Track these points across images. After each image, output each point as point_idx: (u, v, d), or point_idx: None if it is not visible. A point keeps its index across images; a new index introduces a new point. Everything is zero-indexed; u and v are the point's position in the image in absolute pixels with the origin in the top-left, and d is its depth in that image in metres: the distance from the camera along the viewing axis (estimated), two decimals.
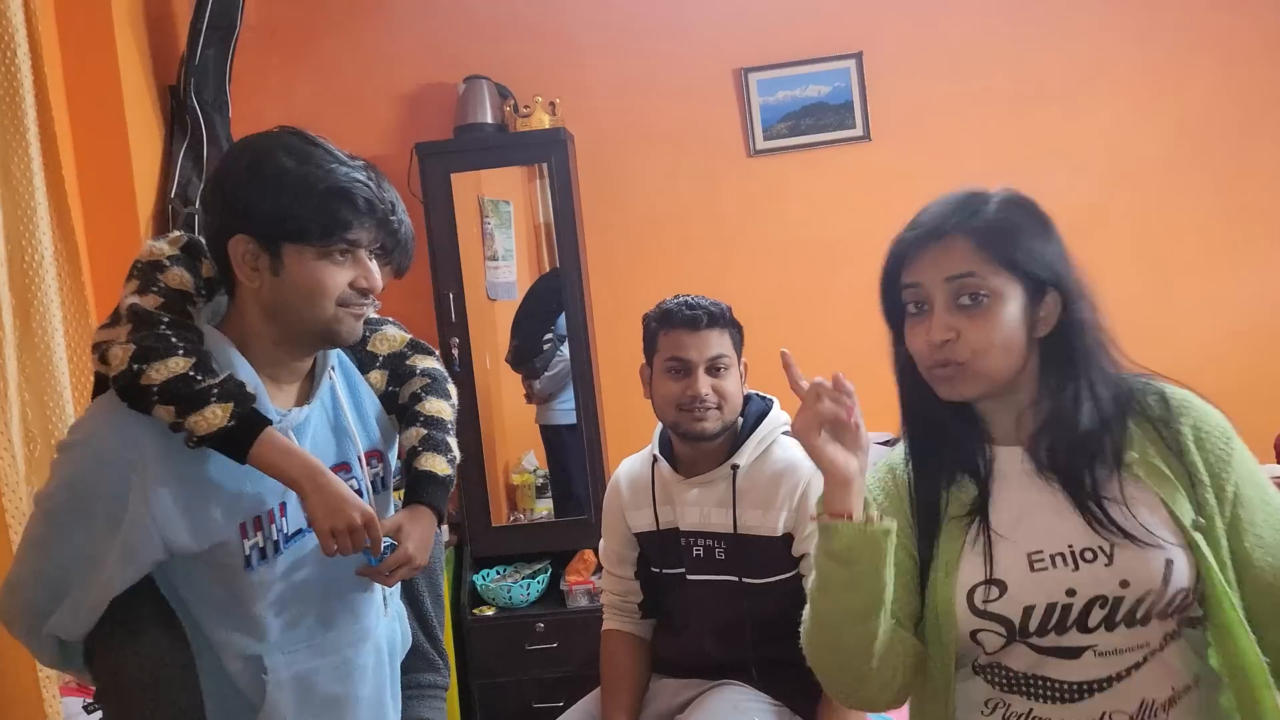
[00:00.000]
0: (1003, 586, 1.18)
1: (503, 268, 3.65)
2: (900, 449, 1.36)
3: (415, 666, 1.68)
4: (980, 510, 1.22)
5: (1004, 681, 1.22)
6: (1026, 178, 3.39)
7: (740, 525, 1.96)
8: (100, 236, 2.56)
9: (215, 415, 1.24)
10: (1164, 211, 3.40)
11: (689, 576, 2.03)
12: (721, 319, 1.97)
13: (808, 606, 1.28)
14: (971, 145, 3.48)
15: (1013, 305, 1.21)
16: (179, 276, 1.36)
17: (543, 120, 3.36)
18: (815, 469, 1.94)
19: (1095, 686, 1.17)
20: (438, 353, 1.65)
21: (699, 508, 2.00)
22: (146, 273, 1.35)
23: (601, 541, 2.18)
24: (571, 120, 3.48)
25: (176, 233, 1.43)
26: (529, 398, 3.63)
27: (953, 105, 3.49)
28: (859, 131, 3.52)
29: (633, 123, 3.55)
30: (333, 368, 1.45)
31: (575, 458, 3.46)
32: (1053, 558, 1.18)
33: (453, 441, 1.52)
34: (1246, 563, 1.18)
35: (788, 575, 1.95)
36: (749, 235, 3.56)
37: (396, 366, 1.57)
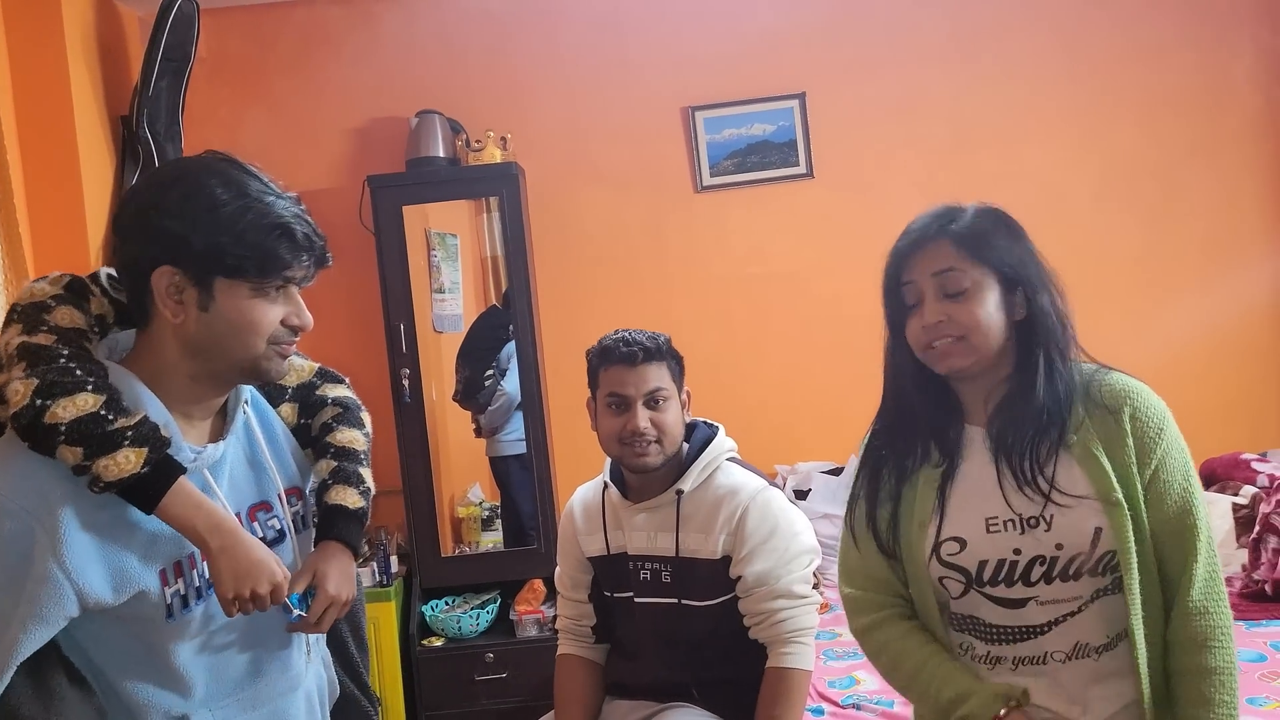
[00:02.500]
0: (963, 543, 1.43)
1: (449, 300, 3.68)
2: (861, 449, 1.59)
3: (350, 715, 1.57)
4: (948, 478, 1.46)
5: (969, 628, 1.47)
6: None
7: (682, 549, 2.01)
8: (50, 265, 2.55)
9: (128, 460, 1.14)
10: (1092, 248, 3.54)
11: (636, 599, 2.07)
12: (658, 352, 2.02)
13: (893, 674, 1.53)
14: (910, 184, 3.61)
15: (990, 294, 1.43)
16: (69, 314, 1.26)
17: (494, 154, 3.42)
18: (756, 492, 2.02)
19: (1038, 630, 1.42)
20: (348, 380, 1.56)
21: (646, 532, 2.06)
22: (30, 314, 1.24)
23: (558, 568, 2.21)
24: (522, 155, 3.55)
25: (56, 273, 1.33)
26: (477, 431, 3.66)
27: (892, 145, 3.62)
28: (802, 169, 3.63)
29: (582, 158, 3.63)
30: (246, 401, 1.36)
31: (524, 488, 3.49)
32: (1005, 523, 1.42)
33: (366, 473, 1.45)
34: (1149, 533, 1.40)
35: (726, 598, 2.00)
36: (695, 269, 3.64)
37: (306, 398, 1.49)
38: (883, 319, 1.53)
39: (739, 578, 1.97)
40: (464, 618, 3.33)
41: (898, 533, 1.47)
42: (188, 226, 1.17)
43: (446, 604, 3.46)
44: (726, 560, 1.99)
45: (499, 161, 3.40)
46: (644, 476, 2.04)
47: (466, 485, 3.71)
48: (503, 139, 3.47)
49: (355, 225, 3.47)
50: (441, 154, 3.44)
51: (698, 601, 2.00)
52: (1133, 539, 1.37)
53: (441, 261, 3.63)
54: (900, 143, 3.62)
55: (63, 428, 1.12)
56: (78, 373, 1.17)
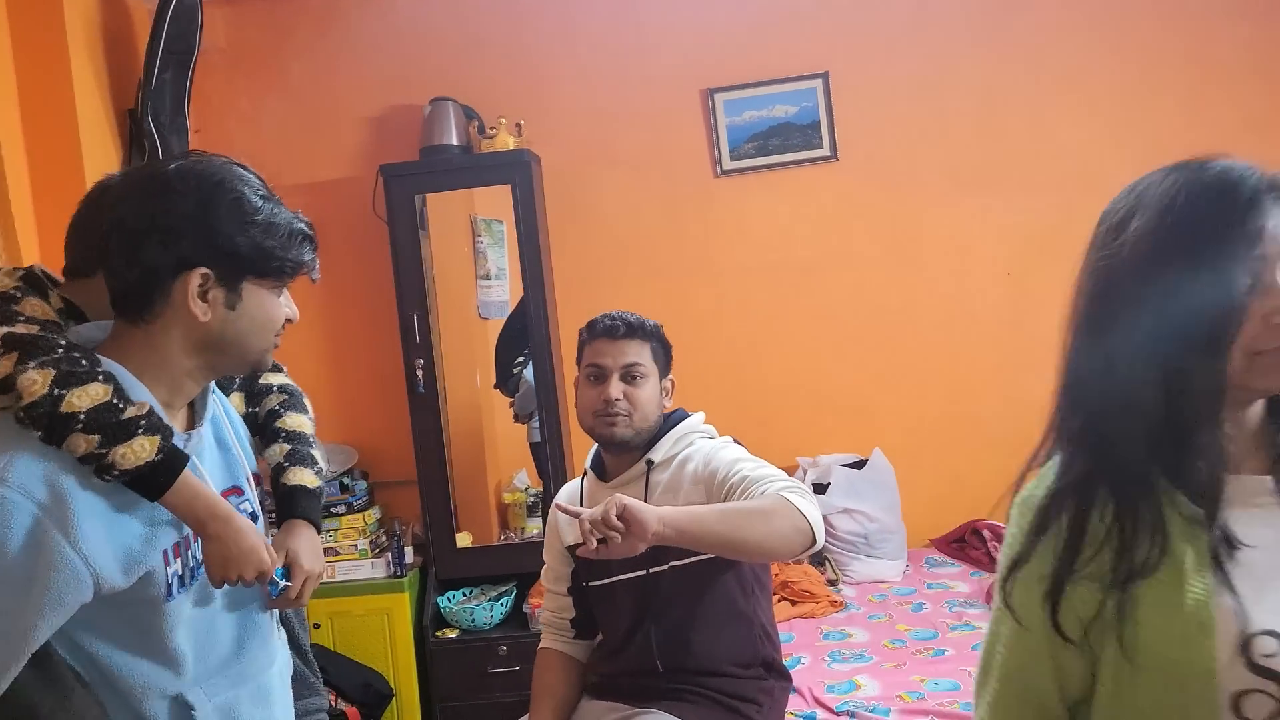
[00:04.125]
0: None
1: (495, 286, 3.65)
2: (1045, 477, 1.07)
3: (300, 693, 1.61)
4: (1227, 548, 0.97)
5: None
6: (993, 197, 3.44)
7: None
8: (56, 259, 2.57)
9: (143, 449, 1.17)
10: None
11: (613, 578, 2.01)
12: (641, 330, 2.02)
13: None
14: (939, 164, 3.47)
15: None
16: (39, 306, 1.29)
17: (507, 141, 3.36)
18: (725, 441, 1.94)
19: None
20: (285, 368, 1.62)
21: None
22: None
23: (545, 563, 2.19)
24: (538, 142, 3.49)
25: (8, 267, 1.35)
26: (515, 418, 3.64)
27: (920, 125, 3.48)
28: (826, 151, 3.51)
29: (599, 143, 3.55)
30: (212, 390, 1.39)
31: (545, 477, 3.45)
32: None
33: (318, 454, 1.51)
34: None
35: (703, 557, 1.88)
36: (714, 256, 3.55)
37: (251, 386, 1.56)
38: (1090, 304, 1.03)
39: (726, 486, 1.84)
40: (478, 610, 3.31)
41: (1129, 631, 0.97)
42: (234, 231, 1.20)
43: (464, 595, 3.45)
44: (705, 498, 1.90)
45: (512, 149, 3.34)
46: (619, 458, 2.03)
47: (513, 471, 3.68)
48: (517, 125, 3.41)
49: (369, 215, 3.45)
50: (455, 142, 3.40)
51: (672, 562, 1.91)
52: None
53: (488, 248, 3.60)
54: (928, 122, 3.48)
55: (81, 416, 1.14)
56: (83, 362, 1.18)
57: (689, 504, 1.87)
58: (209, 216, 1.20)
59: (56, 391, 1.15)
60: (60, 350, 1.19)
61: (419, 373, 3.34)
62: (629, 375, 1.98)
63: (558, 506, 2.12)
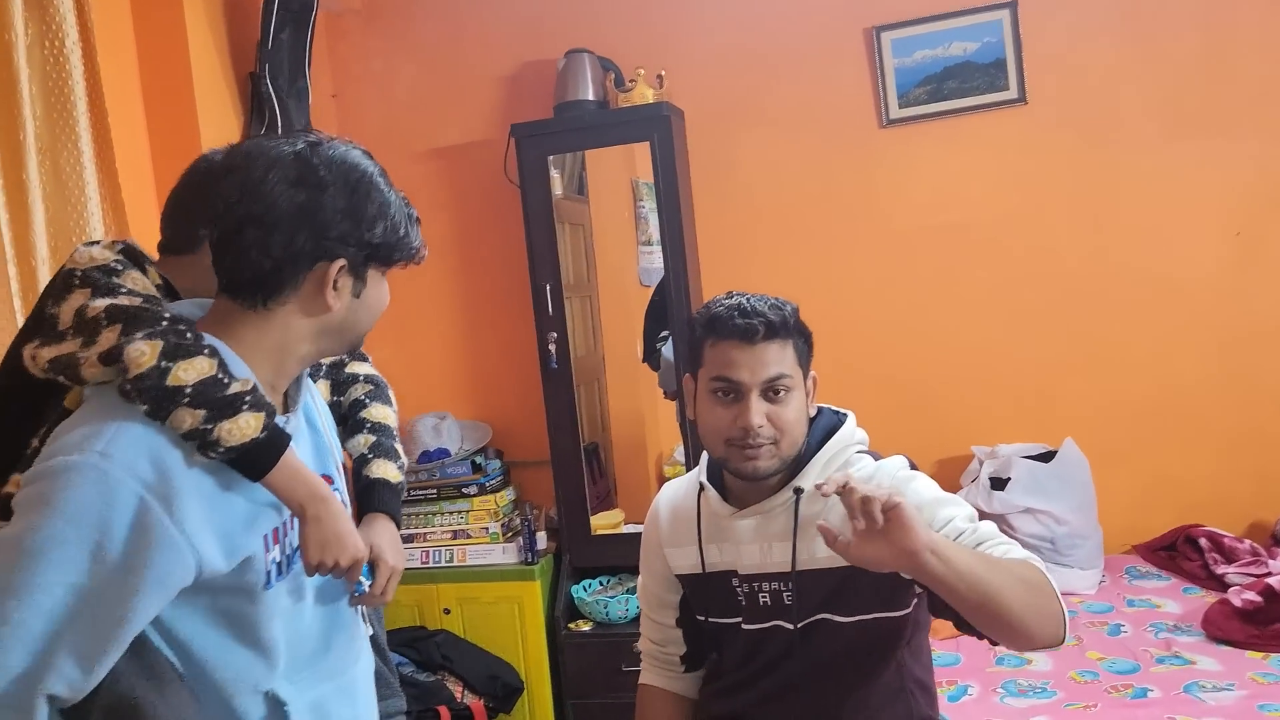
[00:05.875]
0: None
1: (656, 253, 3.40)
2: None
3: (380, 694, 1.55)
4: None
5: None
6: (1218, 143, 2.88)
7: (801, 560, 1.60)
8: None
9: (249, 425, 1.14)
10: None
11: (745, 626, 1.70)
12: (784, 328, 1.58)
13: None
14: (1149, 106, 2.95)
15: None
16: (140, 280, 1.28)
17: (646, 94, 3.07)
18: (897, 469, 1.58)
19: None
20: (370, 357, 1.60)
21: (757, 544, 1.65)
22: (96, 278, 1.24)
23: (640, 577, 1.86)
24: (680, 94, 3.18)
25: (108, 239, 1.32)
26: (664, 394, 3.40)
27: (1127, 59, 2.97)
28: (1013, 94, 3.05)
29: (748, 93, 3.21)
30: (304, 374, 1.34)
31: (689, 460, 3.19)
32: None
33: (399, 448, 1.50)
34: None
35: (867, 617, 1.57)
36: (878, 219, 3.16)
37: (336, 375, 1.55)
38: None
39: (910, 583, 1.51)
40: (612, 602, 3.08)
41: None
42: (376, 224, 1.20)
43: (601, 584, 3.23)
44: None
45: (650, 102, 3.05)
46: (751, 483, 1.65)
47: (675, 443, 3.43)
48: (657, 76, 3.11)
49: (500, 178, 3.24)
50: (591, 97, 3.14)
51: (838, 617, 1.59)
52: None
53: (649, 212, 3.35)
54: (1137, 56, 2.96)
55: (188, 390, 1.11)
56: (189, 335, 1.15)
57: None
58: (356, 210, 1.18)
59: (164, 364, 1.11)
60: (165, 322, 1.16)
61: (551, 347, 3.12)
62: (771, 391, 1.56)
63: (657, 522, 1.81)
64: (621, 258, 3.30)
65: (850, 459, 1.63)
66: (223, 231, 1.18)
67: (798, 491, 1.60)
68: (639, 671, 1.87)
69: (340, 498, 1.36)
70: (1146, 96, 2.95)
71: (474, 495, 3.20)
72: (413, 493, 3.23)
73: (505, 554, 3.18)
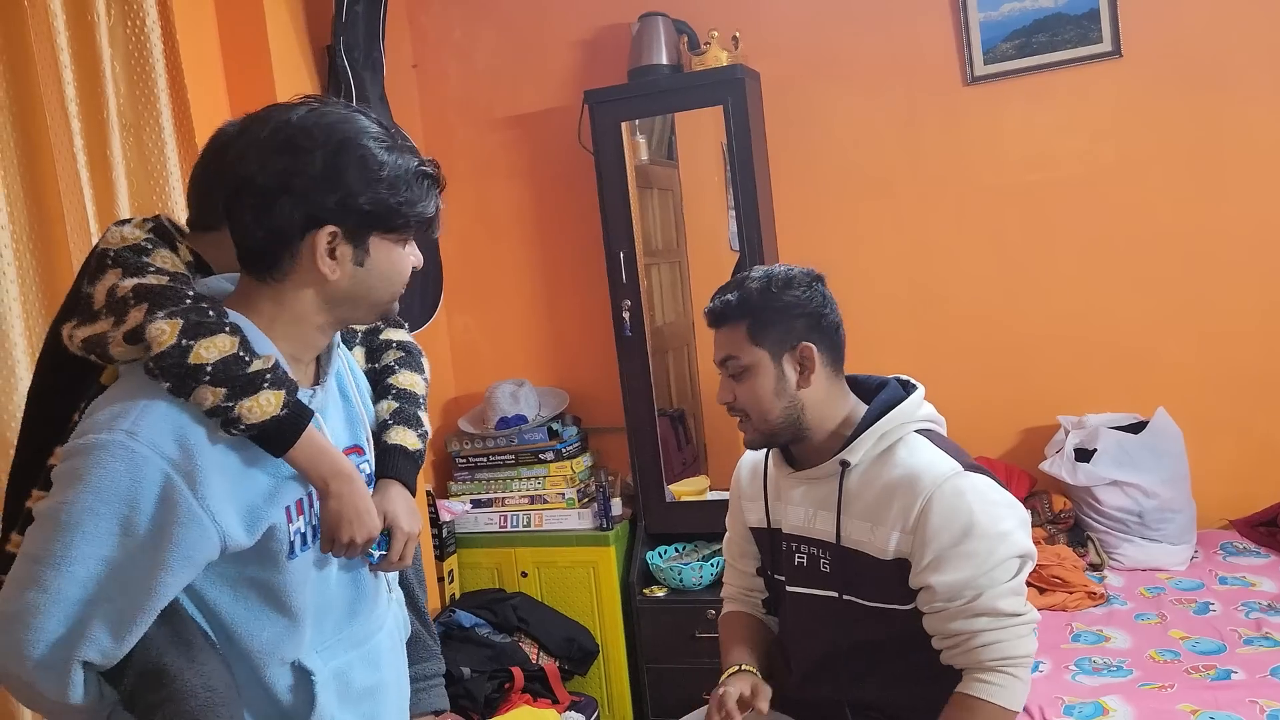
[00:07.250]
0: None
1: None
2: None
3: (417, 656, 1.58)
4: None
5: None
6: None
7: (844, 537, 1.63)
8: None
9: (269, 403, 1.15)
10: None
11: (789, 588, 1.75)
12: (726, 311, 1.65)
13: None
14: (1258, 53, 2.76)
15: None
16: (169, 258, 1.30)
17: (720, 57, 3.01)
18: (944, 479, 1.56)
19: None
20: (407, 325, 1.59)
21: (804, 508, 1.71)
22: (127, 258, 1.26)
23: (727, 532, 1.94)
24: (756, 56, 3.12)
25: (138, 217, 1.35)
26: None
27: (1233, 9, 2.78)
28: (1107, 46, 2.89)
29: (826, 53, 3.12)
30: (338, 345, 1.34)
31: None
32: None
33: (424, 416, 1.46)
34: None
35: (902, 607, 1.60)
36: (962, 180, 3.04)
37: (371, 341, 1.53)
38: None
39: (923, 588, 1.56)
40: (686, 569, 3.09)
41: None
42: (361, 189, 1.17)
43: (677, 550, 3.24)
44: (900, 564, 1.57)
45: (724, 65, 2.99)
46: (804, 442, 1.70)
47: None
48: (733, 38, 3.06)
49: (574, 145, 3.23)
50: (665, 61, 3.10)
51: (865, 600, 1.63)
52: None
53: None
54: (1246, 7, 2.76)
55: (209, 368, 1.13)
56: (210, 314, 1.17)
57: (898, 559, 1.58)
58: (336, 175, 1.16)
59: (185, 342, 1.13)
60: (188, 301, 1.18)
61: (626, 315, 3.12)
62: (728, 371, 1.68)
63: (739, 478, 1.87)
64: (713, 222, 3.26)
65: (906, 438, 1.62)
66: (224, 203, 1.19)
67: (843, 465, 1.62)
68: (714, 638, 1.96)
69: (368, 470, 1.37)
70: (1255, 44, 2.76)
71: (551, 461, 3.24)
72: (491, 458, 3.29)
73: (581, 519, 3.21)
